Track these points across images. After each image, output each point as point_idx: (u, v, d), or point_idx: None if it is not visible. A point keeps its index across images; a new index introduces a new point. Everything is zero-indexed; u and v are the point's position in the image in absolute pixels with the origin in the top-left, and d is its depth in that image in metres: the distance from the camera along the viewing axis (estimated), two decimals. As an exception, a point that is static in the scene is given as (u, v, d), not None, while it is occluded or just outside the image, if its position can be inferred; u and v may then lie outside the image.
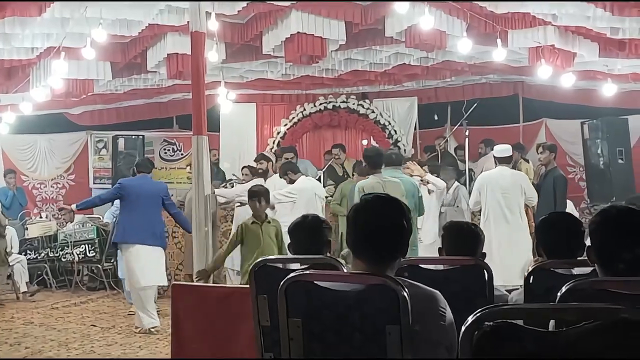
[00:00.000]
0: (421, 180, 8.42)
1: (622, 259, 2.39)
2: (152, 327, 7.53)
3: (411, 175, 8.17)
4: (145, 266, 7.64)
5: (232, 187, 9.74)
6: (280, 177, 8.71)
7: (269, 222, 6.35)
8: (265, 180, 8.73)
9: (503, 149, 8.06)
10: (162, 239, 7.83)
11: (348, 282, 2.41)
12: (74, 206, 8.20)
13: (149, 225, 7.66)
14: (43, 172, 13.81)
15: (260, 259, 3.53)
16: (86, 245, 10.59)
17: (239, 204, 8.75)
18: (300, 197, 8.07)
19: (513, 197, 7.70)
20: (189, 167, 9.21)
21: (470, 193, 9.62)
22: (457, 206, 9.25)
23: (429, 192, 8.76)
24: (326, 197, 9.03)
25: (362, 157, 7.77)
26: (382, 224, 2.45)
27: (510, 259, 7.37)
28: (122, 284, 8.88)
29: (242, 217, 9.03)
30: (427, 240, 8.44)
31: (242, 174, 9.66)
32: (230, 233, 9.31)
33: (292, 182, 8.39)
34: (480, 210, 8.07)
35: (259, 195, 6.47)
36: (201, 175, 5.54)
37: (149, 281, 7.67)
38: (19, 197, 12.47)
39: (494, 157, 8.16)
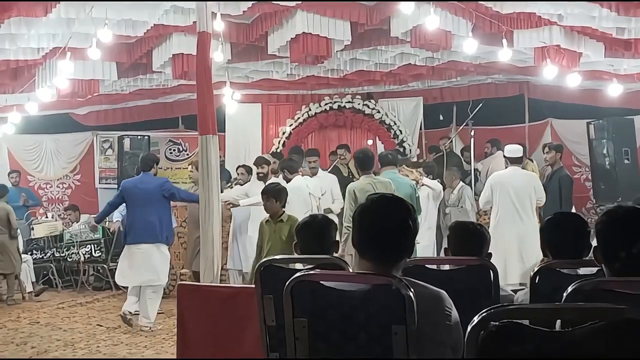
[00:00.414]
0: (417, 184, 8.42)
1: (629, 259, 2.39)
2: (123, 312, 7.73)
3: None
4: (130, 265, 7.89)
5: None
6: (275, 174, 8.76)
7: (281, 220, 6.33)
8: (265, 184, 8.73)
9: (514, 149, 8.06)
10: (162, 235, 7.87)
11: (354, 282, 2.41)
12: (92, 221, 8.71)
13: (144, 224, 7.80)
14: (49, 172, 13.84)
15: (265, 259, 3.55)
16: (92, 245, 10.64)
17: (231, 205, 8.77)
18: (294, 197, 8.02)
19: (526, 197, 7.70)
20: (191, 167, 9.23)
21: (475, 193, 9.64)
22: (462, 206, 9.26)
23: (428, 196, 8.78)
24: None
25: (353, 159, 7.79)
26: (387, 224, 2.45)
27: (525, 257, 7.35)
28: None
29: (238, 218, 9.08)
30: (423, 242, 8.43)
31: (238, 174, 9.62)
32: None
33: (288, 180, 8.41)
34: (489, 209, 8.06)
35: (267, 194, 6.48)
36: (209, 175, 5.53)
37: (125, 281, 8.00)
38: (29, 197, 12.54)
39: (505, 157, 8.15)
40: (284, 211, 6.43)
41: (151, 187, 7.86)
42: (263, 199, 6.49)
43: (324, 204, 8.61)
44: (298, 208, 7.87)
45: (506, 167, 8.11)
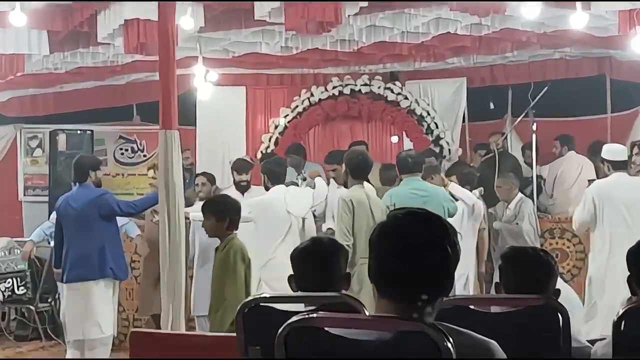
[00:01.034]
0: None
1: None
2: None
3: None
4: (67, 312, 7.99)
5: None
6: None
7: (220, 248, 6.30)
8: (242, 195, 8.70)
9: (617, 150, 8.12)
10: (105, 268, 7.87)
11: (370, 328, 2.41)
12: (54, 269, 8.55)
13: (79, 256, 7.80)
14: (-44, 180, 13.88)
15: (251, 298, 3.55)
16: (14, 280, 10.58)
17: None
18: (263, 214, 8.05)
19: None
20: (151, 172, 9.21)
21: (538, 209, 9.60)
22: (517, 223, 9.18)
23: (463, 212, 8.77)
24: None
25: (345, 163, 7.85)
26: (416, 250, 2.44)
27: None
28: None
29: (203, 237, 9.03)
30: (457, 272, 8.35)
31: (198, 184, 9.53)
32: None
33: (267, 189, 8.41)
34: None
35: (205, 210, 6.45)
36: (171, 184, 5.55)
37: (72, 334, 7.96)
38: None
39: (605, 161, 8.17)
40: (232, 234, 6.35)
41: (85, 205, 7.83)
42: (203, 216, 6.44)
43: None
44: (267, 230, 7.91)
45: (608, 175, 8.16)
